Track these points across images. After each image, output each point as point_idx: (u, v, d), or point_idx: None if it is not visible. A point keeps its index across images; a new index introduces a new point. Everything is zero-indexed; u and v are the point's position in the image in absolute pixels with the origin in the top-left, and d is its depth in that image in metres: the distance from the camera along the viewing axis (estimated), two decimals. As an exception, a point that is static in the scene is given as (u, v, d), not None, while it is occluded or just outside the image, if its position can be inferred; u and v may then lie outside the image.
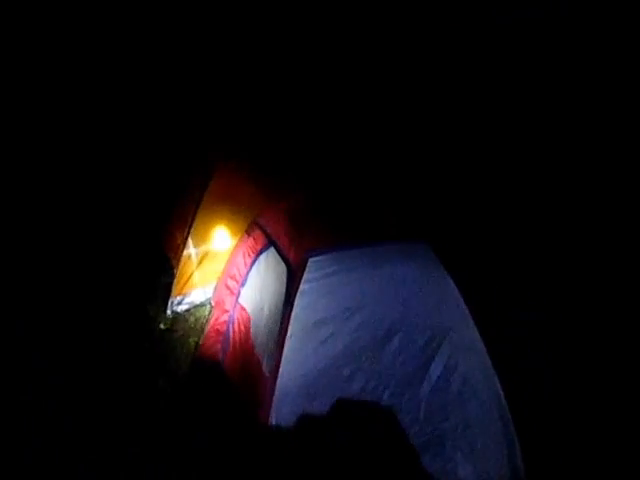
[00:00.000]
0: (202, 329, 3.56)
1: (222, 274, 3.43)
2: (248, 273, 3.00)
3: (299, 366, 2.11)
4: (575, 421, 2.19)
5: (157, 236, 4.38)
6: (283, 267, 2.56)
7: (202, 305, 4.20)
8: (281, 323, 2.26)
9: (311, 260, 2.27)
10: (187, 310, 4.19)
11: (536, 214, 3.03)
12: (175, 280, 4.12)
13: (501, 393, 2.13)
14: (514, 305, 2.33)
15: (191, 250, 4.21)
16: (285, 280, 2.49)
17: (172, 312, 4.10)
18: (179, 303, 4.16)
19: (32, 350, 3.07)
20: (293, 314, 2.20)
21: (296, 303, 2.22)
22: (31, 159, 5.11)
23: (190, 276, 4.23)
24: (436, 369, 2.12)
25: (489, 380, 2.13)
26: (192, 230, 4.13)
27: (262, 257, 2.88)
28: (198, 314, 4.11)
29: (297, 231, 2.50)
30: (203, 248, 4.31)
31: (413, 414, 2.06)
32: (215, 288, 3.58)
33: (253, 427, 2.14)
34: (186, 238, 4.15)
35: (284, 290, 2.49)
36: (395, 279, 2.27)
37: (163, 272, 4.26)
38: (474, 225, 2.53)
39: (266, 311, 2.69)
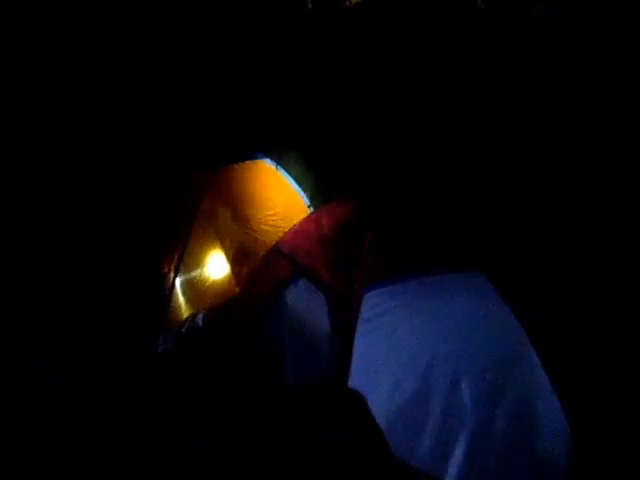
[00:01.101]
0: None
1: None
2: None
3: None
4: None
5: (149, 262, 3.97)
6: (321, 301, 2.35)
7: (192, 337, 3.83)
8: (335, 368, 2.04)
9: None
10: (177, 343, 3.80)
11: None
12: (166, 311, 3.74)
13: (568, 431, 2.02)
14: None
15: (180, 277, 3.86)
16: (328, 318, 2.27)
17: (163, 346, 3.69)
18: (169, 336, 3.76)
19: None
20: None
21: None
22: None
23: (179, 306, 3.87)
24: (507, 408, 1.99)
25: (557, 417, 2.04)
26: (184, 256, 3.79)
27: (289, 290, 2.62)
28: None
29: (344, 263, 2.28)
30: (194, 274, 3.98)
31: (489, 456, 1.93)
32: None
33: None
34: (177, 265, 3.79)
35: (325, 329, 2.28)
36: (454, 313, 2.13)
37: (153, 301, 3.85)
38: (533, 252, 2.44)
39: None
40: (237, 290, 3.96)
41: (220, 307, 3.86)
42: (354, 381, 1.97)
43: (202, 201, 3.93)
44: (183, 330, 3.66)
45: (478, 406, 1.99)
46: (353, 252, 2.23)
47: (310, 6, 6.15)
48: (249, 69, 5.79)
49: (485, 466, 1.98)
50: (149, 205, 4.05)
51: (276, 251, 2.72)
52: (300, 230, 2.67)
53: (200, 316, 3.79)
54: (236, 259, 4.16)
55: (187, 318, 3.75)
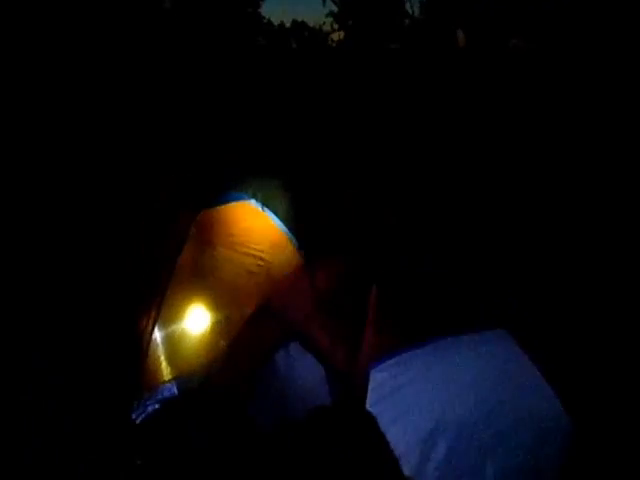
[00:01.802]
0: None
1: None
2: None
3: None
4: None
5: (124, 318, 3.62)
6: (317, 369, 2.04)
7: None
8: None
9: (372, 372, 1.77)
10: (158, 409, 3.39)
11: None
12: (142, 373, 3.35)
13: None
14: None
15: (158, 333, 3.50)
16: (328, 391, 1.96)
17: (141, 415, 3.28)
18: (147, 403, 3.35)
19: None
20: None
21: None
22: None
23: (159, 366, 3.48)
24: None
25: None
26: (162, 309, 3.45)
27: (279, 356, 2.31)
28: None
29: (343, 327, 1.99)
30: (173, 329, 3.62)
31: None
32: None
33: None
34: (156, 318, 3.44)
35: (324, 400, 1.97)
36: (477, 380, 1.85)
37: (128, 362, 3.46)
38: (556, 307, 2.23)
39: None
40: (221, 343, 3.62)
41: (199, 370, 3.51)
42: None
43: (184, 244, 3.64)
44: (157, 400, 3.27)
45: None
46: (354, 315, 1.96)
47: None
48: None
49: None
50: (129, 246, 3.74)
51: (265, 311, 2.43)
52: (292, 287, 2.40)
53: (174, 384, 3.41)
54: (222, 306, 3.83)
55: (162, 385, 3.36)
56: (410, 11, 9.35)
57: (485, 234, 3.24)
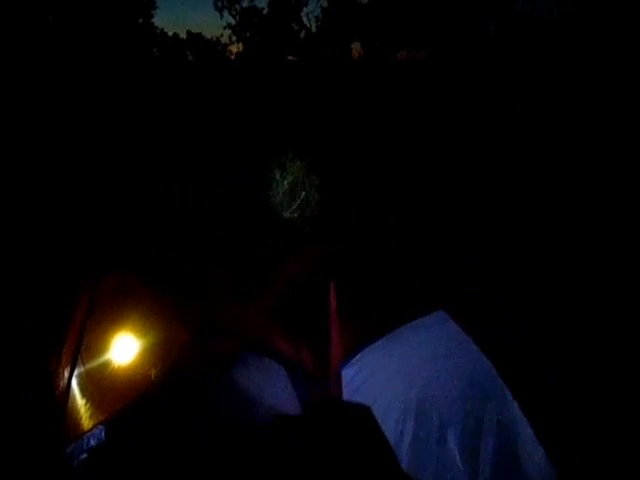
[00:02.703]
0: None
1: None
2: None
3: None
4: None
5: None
6: (281, 379, 1.94)
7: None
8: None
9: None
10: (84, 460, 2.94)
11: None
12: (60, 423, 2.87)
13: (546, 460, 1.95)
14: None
15: (77, 374, 3.05)
16: (294, 398, 1.87)
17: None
18: (72, 455, 2.89)
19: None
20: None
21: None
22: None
23: (83, 411, 3.03)
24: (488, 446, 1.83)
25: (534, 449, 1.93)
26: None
27: (235, 371, 2.14)
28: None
29: (304, 331, 1.92)
30: (96, 365, 3.19)
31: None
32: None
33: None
34: (71, 359, 3.00)
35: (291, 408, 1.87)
36: (427, 359, 2.00)
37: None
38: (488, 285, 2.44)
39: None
40: (152, 372, 3.29)
41: (129, 408, 3.15)
42: None
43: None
44: (82, 450, 2.85)
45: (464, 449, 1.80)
46: (314, 318, 1.92)
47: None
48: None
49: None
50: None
51: (211, 329, 2.24)
52: (240, 302, 2.26)
53: (101, 429, 3.00)
54: (152, 331, 3.48)
55: (87, 433, 2.93)
56: (307, 24, 9.65)
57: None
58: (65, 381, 2.99)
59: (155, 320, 3.30)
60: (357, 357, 1.85)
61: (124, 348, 3.26)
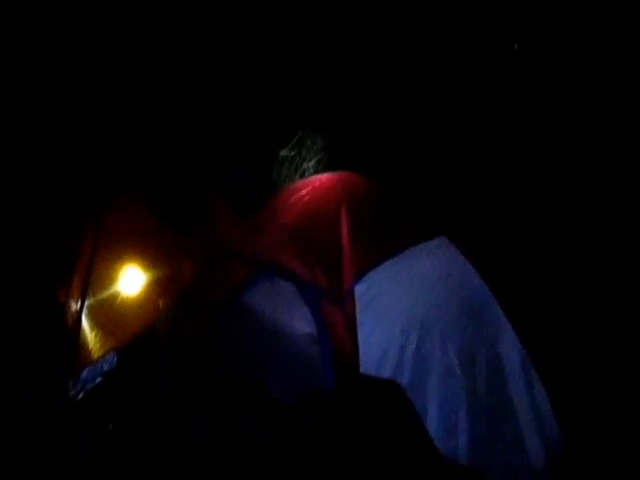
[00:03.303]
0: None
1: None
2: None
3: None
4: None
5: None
6: (294, 301, 2.06)
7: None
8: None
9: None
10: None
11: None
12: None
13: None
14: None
15: (87, 304, 3.13)
16: (308, 318, 2.00)
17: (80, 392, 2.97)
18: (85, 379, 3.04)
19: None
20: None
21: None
22: None
23: (94, 340, 3.14)
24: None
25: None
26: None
27: (248, 295, 2.24)
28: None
29: (317, 252, 2.01)
30: (106, 295, 3.27)
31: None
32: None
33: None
34: (82, 290, 3.07)
35: (305, 331, 2.01)
36: (432, 280, 2.16)
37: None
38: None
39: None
40: (160, 302, 3.40)
41: (139, 336, 3.28)
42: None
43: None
44: (96, 374, 3.00)
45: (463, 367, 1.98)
46: (327, 239, 1.99)
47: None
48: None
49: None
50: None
51: (223, 253, 2.30)
52: (254, 224, 2.31)
53: (113, 355, 3.13)
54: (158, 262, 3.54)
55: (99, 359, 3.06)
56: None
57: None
58: (76, 312, 3.07)
59: (161, 251, 3.35)
60: (365, 277, 1.96)
61: (132, 279, 3.31)
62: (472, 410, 1.97)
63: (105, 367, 3.23)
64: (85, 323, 3.11)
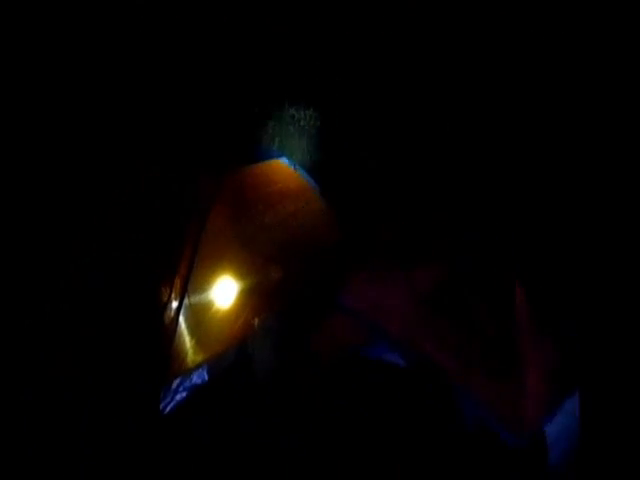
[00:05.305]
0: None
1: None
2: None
3: None
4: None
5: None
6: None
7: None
8: None
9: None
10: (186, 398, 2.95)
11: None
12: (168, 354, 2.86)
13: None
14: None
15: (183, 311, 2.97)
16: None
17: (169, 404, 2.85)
18: (177, 390, 2.90)
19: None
20: None
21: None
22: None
23: (187, 348, 2.99)
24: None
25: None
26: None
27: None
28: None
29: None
30: (201, 303, 3.09)
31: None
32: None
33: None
34: (182, 291, 2.92)
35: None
36: None
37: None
38: None
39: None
40: (255, 321, 3.18)
41: (230, 351, 3.10)
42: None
43: (211, 208, 3.08)
44: (186, 387, 2.85)
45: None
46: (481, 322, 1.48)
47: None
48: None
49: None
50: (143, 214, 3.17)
51: (336, 305, 1.87)
52: (376, 278, 1.83)
53: (204, 369, 2.98)
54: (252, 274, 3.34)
55: (191, 370, 2.91)
56: None
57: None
58: (174, 314, 2.94)
59: (251, 266, 3.17)
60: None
61: (226, 289, 3.12)
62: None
63: (196, 380, 3.08)
64: (180, 332, 2.97)
